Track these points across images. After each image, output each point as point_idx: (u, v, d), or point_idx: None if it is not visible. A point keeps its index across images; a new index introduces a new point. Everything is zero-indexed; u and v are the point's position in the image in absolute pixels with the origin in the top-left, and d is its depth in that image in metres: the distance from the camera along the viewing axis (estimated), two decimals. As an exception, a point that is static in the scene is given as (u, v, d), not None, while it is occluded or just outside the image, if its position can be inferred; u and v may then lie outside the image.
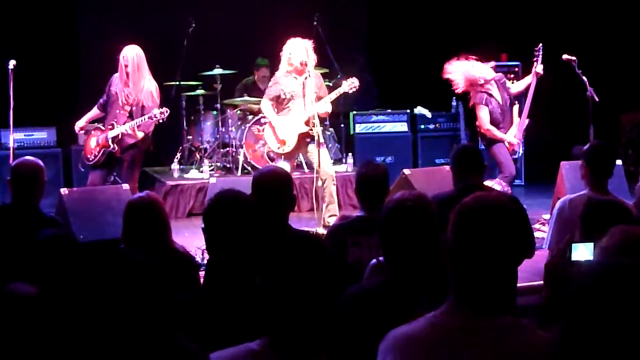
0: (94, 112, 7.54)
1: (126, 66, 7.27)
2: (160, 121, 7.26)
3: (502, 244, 2.11)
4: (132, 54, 7.29)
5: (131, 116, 7.30)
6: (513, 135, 7.91)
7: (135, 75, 7.28)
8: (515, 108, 8.11)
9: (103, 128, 7.38)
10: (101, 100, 7.52)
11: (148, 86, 7.34)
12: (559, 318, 1.48)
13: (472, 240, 2.12)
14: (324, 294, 2.08)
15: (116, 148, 7.30)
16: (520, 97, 8.30)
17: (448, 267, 2.15)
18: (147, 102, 7.28)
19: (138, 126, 7.23)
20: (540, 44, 8.09)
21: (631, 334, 1.34)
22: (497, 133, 7.78)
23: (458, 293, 2.14)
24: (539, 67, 8.02)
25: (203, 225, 2.91)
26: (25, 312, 2.23)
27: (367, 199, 4.29)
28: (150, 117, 7.18)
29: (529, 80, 8.11)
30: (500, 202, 2.18)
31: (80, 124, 7.55)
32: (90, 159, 7.43)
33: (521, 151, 8.17)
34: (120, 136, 7.28)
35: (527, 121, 8.08)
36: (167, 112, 7.21)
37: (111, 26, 10.53)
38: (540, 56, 8.06)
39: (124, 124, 7.26)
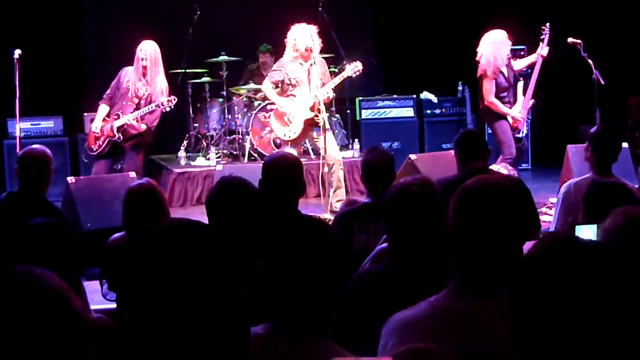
0: (104, 109, 7.47)
1: (143, 59, 7.30)
2: (168, 109, 7.29)
3: (502, 225, 2.12)
4: (150, 49, 7.32)
5: (138, 109, 7.32)
6: (518, 111, 7.76)
7: (152, 70, 7.32)
8: (520, 84, 7.97)
9: (108, 118, 7.40)
10: (109, 93, 7.50)
11: (161, 83, 7.38)
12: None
13: (472, 222, 2.12)
14: (330, 277, 2.08)
15: (121, 138, 7.34)
16: (525, 74, 8.21)
17: (450, 250, 2.16)
18: (156, 98, 7.30)
19: (142, 118, 7.26)
20: (548, 24, 7.96)
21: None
22: (501, 106, 7.60)
23: (460, 276, 2.15)
24: (544, 50, 7.89)
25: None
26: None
27: (373, 185, 4.28)
28: (157, 105, 7.21)
29: (531, 59, 8.01)
30: (501, 183, 2.18)
31: (97, 125, 7.44)
32: (95, 149, 7.45)
33: (525, 130, 8.05)
34: (124, 126, 7.31)
35: (532, 101, 7.97)
36: (174, 100, 7.24)
37: (117, 14, 10.53)
38: (547, 37, 7.93)
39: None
